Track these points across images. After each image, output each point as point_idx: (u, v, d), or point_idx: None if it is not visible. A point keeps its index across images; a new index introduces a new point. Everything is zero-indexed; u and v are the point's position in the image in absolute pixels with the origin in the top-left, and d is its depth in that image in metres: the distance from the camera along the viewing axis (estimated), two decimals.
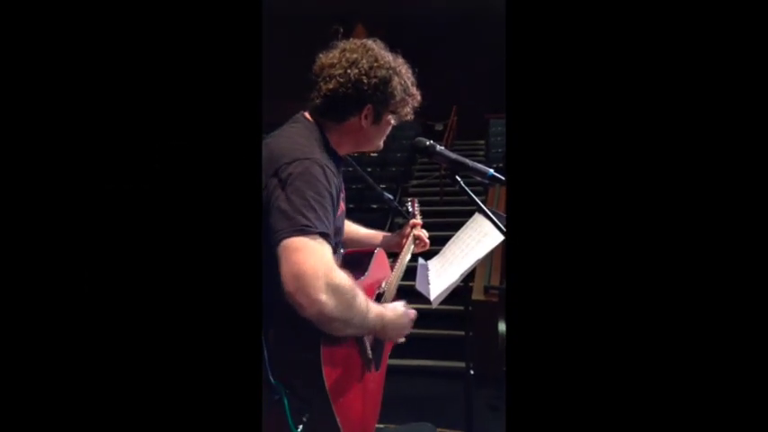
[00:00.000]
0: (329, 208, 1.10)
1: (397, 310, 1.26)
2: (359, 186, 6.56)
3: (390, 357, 1.44)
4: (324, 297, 1.00)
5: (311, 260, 1.02)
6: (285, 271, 1.01)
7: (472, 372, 1.61)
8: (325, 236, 1.06)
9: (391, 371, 1.43)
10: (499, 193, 5.75)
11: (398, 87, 1.23)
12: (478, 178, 1.24)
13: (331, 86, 1.22)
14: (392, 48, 1.29)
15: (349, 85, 1.21)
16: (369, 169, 7.74)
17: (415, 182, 8.04)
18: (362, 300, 1.11)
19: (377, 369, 1.33)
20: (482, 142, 9.68)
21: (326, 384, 1.08)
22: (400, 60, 1.27)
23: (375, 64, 1.21)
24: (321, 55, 1.26)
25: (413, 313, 1.31)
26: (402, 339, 1.33)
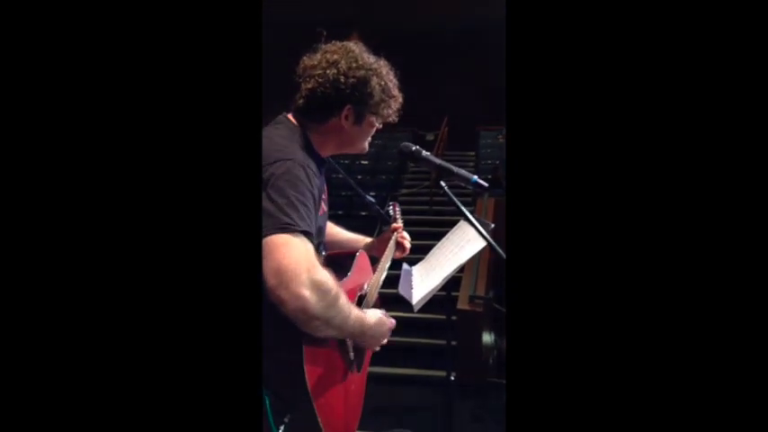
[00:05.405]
0: (311, 208, 1.11)
1: (378, 317, 1.26)
2: (348, 193, 6.57)
3: (375, 366, 1.43)
4: (306, 293, 1.00)
5: (294, 256, 1.02)
6: (267, 266, 1.00)
7: (453, 378, 1.62)
8: (307, 234, 1.07)
9: (376, 379, 1.42)
10: (487, 204, 5.78)
11: (377, 88, 1.24)
12: (463, 184, 1.25)
13: (310, 86, 1.23)
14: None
15: (327, 84, 1.22)
16: (359, 177, 7.74)
17: (404, 191, 8.06)
18: (345, 301, 1.12)
19: (358, 371, 1.34)
20: (472, 153, 9.73)
21: (309, 385, 1.08)
22: (382, 62, 1.28)
23: (354, 65, 1.23)
24: (305, 57, 1.28)
25: (392, 322, 1.30)
26: (378, 348, 1.32)
